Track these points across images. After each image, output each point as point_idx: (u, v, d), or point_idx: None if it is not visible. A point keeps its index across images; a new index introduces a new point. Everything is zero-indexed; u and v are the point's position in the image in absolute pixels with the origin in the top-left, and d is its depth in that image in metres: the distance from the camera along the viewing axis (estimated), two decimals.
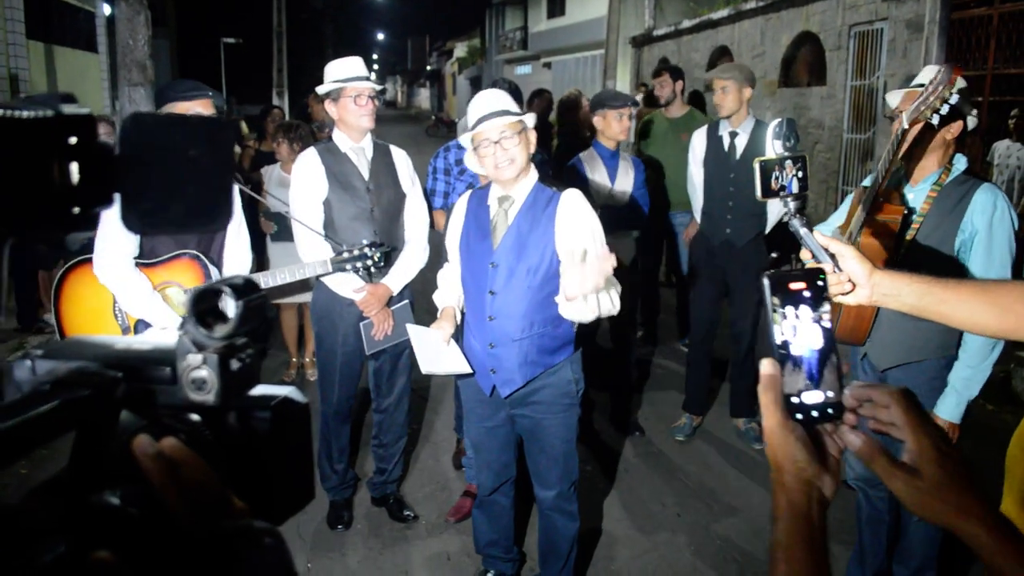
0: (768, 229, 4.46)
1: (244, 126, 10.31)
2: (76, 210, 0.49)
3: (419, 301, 3.70)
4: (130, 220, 0.51)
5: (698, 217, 4.72)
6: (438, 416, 4.92)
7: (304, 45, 29.88)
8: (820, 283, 0.86)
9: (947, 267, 2.58)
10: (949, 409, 2.62)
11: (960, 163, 2.68)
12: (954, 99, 2.20)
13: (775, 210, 4.34)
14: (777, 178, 1.47)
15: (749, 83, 4.34)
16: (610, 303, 2.52)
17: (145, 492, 0.52)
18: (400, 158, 3.55)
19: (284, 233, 4.87)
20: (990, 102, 7.49)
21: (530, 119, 2.71)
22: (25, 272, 6.43)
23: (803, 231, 1.48)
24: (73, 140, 0.48)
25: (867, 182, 2.91)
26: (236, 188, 3.21)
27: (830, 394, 0.84)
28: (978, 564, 1.59)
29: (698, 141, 4.65)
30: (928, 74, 2.75)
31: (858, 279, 1.46)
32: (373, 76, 3.44)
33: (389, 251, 3.34)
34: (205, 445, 0.57)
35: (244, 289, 0.57)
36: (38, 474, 0.55)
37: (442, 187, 3.99)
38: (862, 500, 2.99)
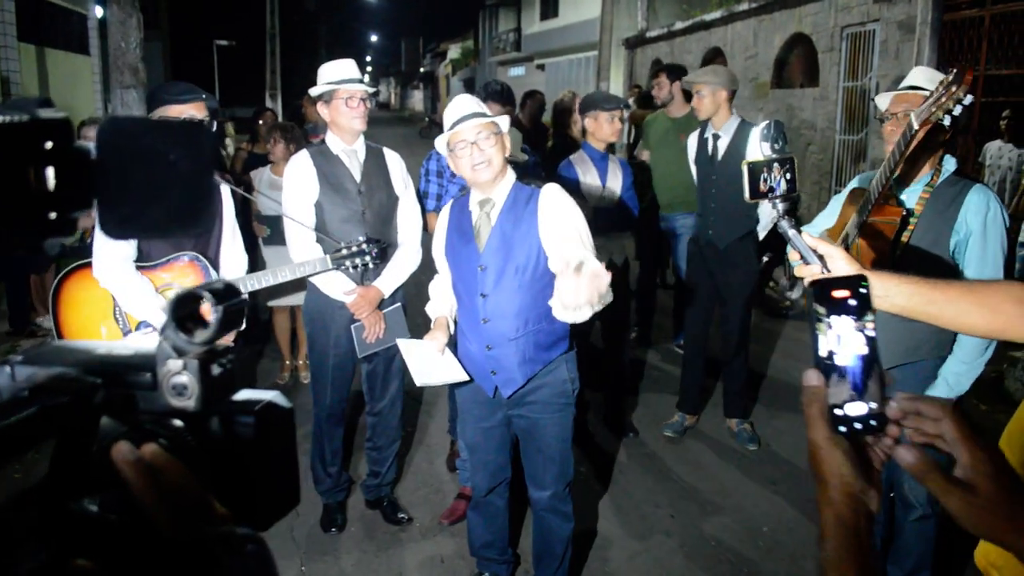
0: (762, 236, 4.47)
1: (230, 127, 10.30)
2: (53, 215, 0.48)
3: (412, 305, 3.69)
4: (109, 225, 0.51)
5: None
6: (432, 419, 4.91)
7: (298, 47, 29.85)
8: (863, 290, 0.83)
9: (942, 268, 2.59)
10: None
11: (949, 164, 2.69)
12: (967, 100, 2.19)
13: (766, 214, 4.34)
14: (766, 180, 1.47)
15: (726, 86, 4.33)
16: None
17: (125, 498, 0.52)
18: (393, 161, 3.54)
19: (277, 237, 4.87)
20: (982, 103, 7.51)
21: (504, 123, 2.73)
22: (16, 276, 6.40)
23: (791, 232, 1.49)
24: (49, 145, 0.48)
25: (855, 184, 2.91)
26: (228, 190, 3.22)
27: (873, 405, 0.81)
28: (973, 565, 1.59)
29: (690, 143, 4.69)
30: (917, 75, 2.76)
31: None
32: (366, 78, 3.43)
33: (386, 247, 3.35)
34: (187, 451, 0.56)
35: (224, 294, 0.56)
36: (31, 479, 0.54)
37: (435, 189, 3.98)
38: None
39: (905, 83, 2.78)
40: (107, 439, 0.54)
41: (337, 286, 3.34)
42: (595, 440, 4.64)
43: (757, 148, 1.51)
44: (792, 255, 1.50)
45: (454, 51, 43.60)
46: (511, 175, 2.78)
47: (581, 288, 2.24)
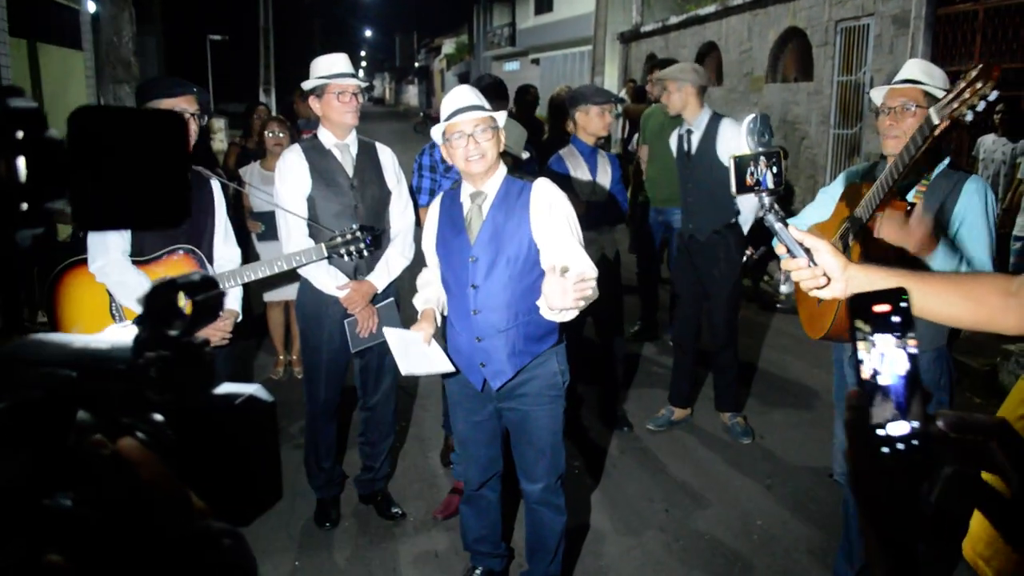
0: (746, 229, 4.49)
1: (217, 123, 10.27)
2: (24, 206, 0.47)
3: (405, 300, 3.69)
4: (82, 216, 0.50)
5: None
6: (426, 413, 4.91)
7: (292, 42, 29.74)
8: (904, 304, 0.80)
9: (942, 258, 2.59)
10: None
11: (944, 157, 2.70)
12: (993, 96, 2.17)
13: (749, 206, 4.37)
14: (752, 173, 1.47)
15: (693, 82, 4.37)
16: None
17: (100, 493, 0.51)
18: (385, 155, 3.54)
19: (271, 233, 4.86)
20: None
21: (501, 118, 2.75)
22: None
23: (778, 226, 1.48)
24: (20, 134, 0.47)
25: (842, 179, 2.91)
26: (218, 184, 3.21)
27: (916, 424, 0.78)
28: (961, 557, 1.60)
29: (672, 140, 4.74)
30: (913, 69, 2.75)
31: (832, 273, 1.47)
32: (361, 73, 3.44)
33: (379, 233, 3.34)
34: (165, 445, 0.56)
35: (199, 286, 0.56)
36: (3, 474, 0.53)
37: (428, 184, 3.97)
38: (849, 495, 3.00)
39: (899, 76, 2.77)
40: (82, 433, 0.53)
41: (330, 281, 3.34)
42: (589, 435, 4.64)
43: (744, 141, 1.50)
44: (779, 248, 1.50)
45: (448, 46, 43.52)
46: (503, 169, 2.80)
47: (567, 292, 2.34)
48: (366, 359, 3.55)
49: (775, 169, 1.48)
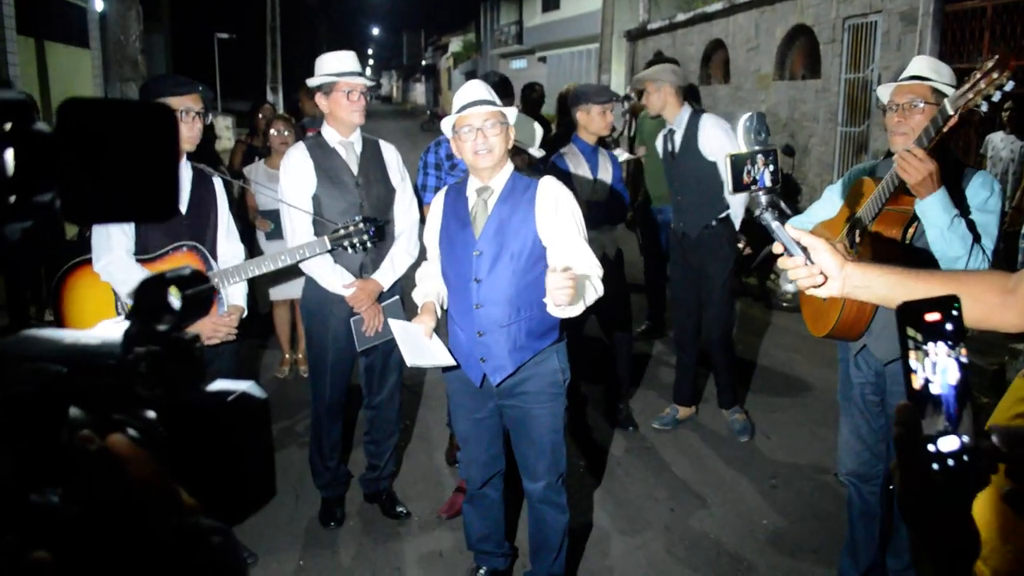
0: (737, 224, 4.47)
1: (221, 121, 10.28)
2: (12, 199, 0.47)
3: (410, 298, 3.68)
4: (71, 209, 0.49)
5: None
6: (431, 412, 4.90)
7: (298, 40, 29.77)
8: (956, 311, 0.77)
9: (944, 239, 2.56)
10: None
11: (951, 153, 2.68)
12: (1009, 86, 2.14)
13: (738, 201, 4.37)
14: (749, 172, 1.46)
15: (671, 82, 4.38)
16: (594, 293, 2.65)
17: (88, 490, 0.51)
18: (390, 153, 3.53)
19: (280, 230, 4.87)
20: None
21: (511, 114, 2.75)
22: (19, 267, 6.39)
23: (775, 224, 1.47)
24: (8, 126, 0.46)
25: (848, 177, 2.90)
26: (221, 182, 3.21)
27: (966, 439, 0.76)
28: None
29: (658, 141, 4.74)
30: (920, 65, 2.73)
31: (830, 272, 1.46)
32: (368, 71, 3.44)
33: (383, 224, 3.34)
34: (156, 442, 0.55)
35: (190, 280, 0.55)
36: None
37: (433, 182, 3.96)
38: (854, 495, 2.98)
39: (907, 73, 2.75)
40: (72, 429, 0.52)
41: (336, 280, 3.33)
42: (594, 434, 4.63)
43: (740, 140, 1.49)
44: (776, 247, 1.49)
45: (456, 44, 43.54)
46: (510, 166, 2.81)
47: (561, 287, 2.38)
48: (371, 358, 3.55)
49: (772, 167, 1.47)
